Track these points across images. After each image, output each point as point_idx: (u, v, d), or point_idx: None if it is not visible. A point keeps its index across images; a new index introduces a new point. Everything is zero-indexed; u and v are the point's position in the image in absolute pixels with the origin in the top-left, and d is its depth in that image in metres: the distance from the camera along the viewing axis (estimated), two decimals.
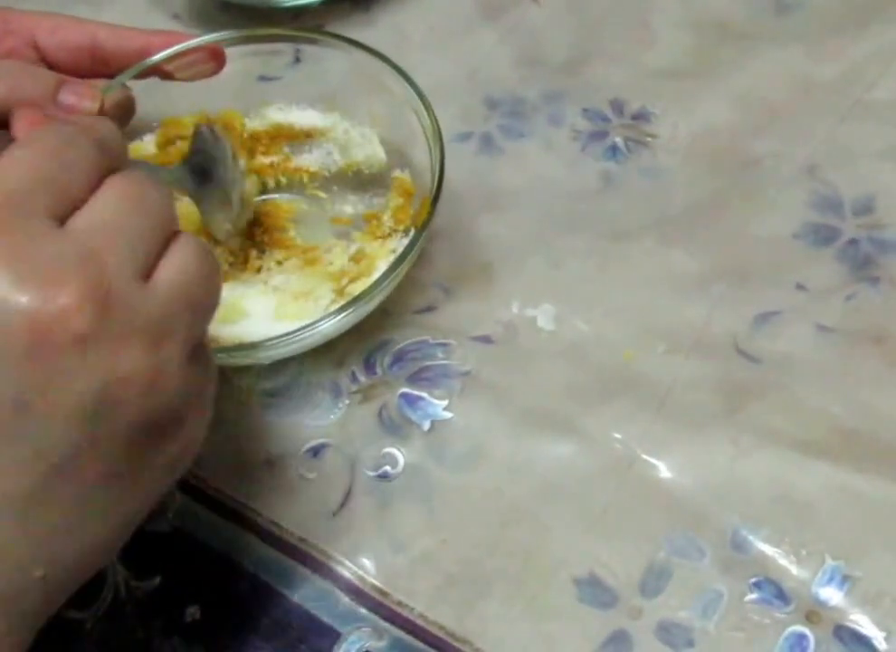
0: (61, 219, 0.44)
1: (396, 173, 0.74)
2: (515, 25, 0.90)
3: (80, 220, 0.44)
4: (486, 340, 0.71)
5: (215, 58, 0.72)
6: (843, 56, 0.84)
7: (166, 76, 0.72)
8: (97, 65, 0.71)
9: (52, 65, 0.70)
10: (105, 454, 0.43)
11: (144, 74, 0.71)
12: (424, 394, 0.68)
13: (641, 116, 0.83)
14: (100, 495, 0.45)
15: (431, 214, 0.65)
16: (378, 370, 0.70)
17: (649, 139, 0.81)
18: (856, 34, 0.85)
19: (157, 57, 0.71)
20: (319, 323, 0.62)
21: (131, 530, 0.48)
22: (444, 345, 0.70)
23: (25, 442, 0.41)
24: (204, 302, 0.48)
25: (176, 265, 0.46)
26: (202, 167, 0.66)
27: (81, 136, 0.47)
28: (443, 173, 0.66)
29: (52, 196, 0.44)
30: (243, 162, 0.73)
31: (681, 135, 0.81)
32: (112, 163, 0.47)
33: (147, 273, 0.45)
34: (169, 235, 0.47)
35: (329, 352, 0.68)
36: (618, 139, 0.81)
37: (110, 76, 0.71)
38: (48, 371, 0.41)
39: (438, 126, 0.68)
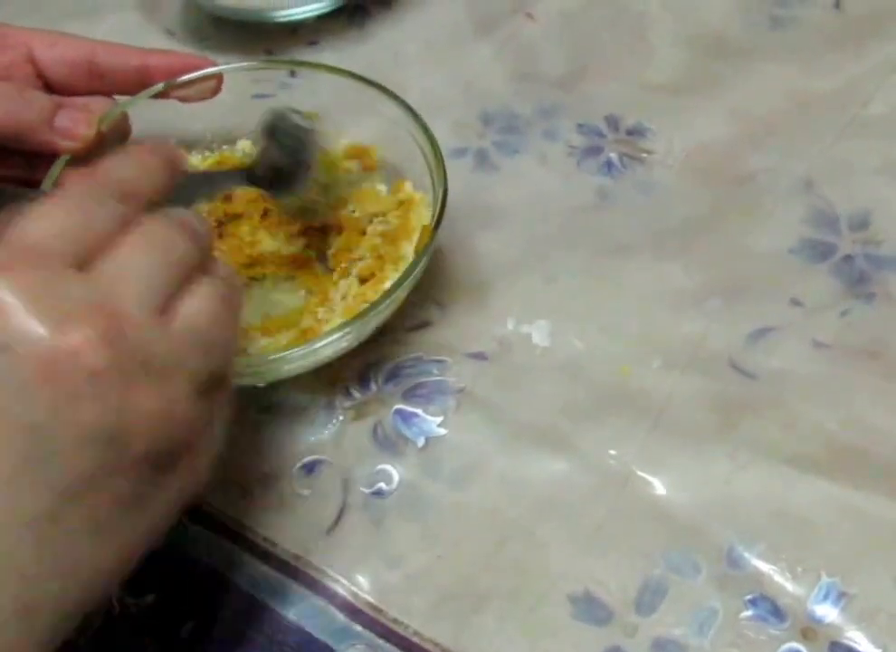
0: (84, 266, 0.46)
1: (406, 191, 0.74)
2: (510, 40, 0.90)
3: (100, 264, 0.46)
4: (481, 356, 0.70)
5: (217, 84, 0.74)
6: (839, 72, 0.84)
7: (177, 99, 0.73)
8: (93, 81, 0.71)
9: (48, 80, 0.71)
10: (116, 482, 0.45)
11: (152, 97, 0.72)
12: (419, 410, 0.68)
13: (636, 131, 0.83)
14: (111, 521, 0.46)
15: (431, 240, 0.65)
16: (373, 387, 0.70)
17: (644, 154, 0.81)
18: (852, 50, 0.85)
19: (161, 85, 0.72)
20: (312, 344, 0.62)
21: (141, 553, 0.49)
22: (439, 361, 0.70)
23: (40, 465, 0.43)
24: (218, 343, 0.50)
25: (194, 305, 0.49)
26: (274, 164, 0.67)
27: (104, 189, 0.50)
28: (446, 201, 0.66)
29: (74, 246, 0.46)
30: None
31: (676, 150, 0.81)
32: (139, 207, 0.50)
33: (163, 310, 0.47)
34: (192, 273, 0.50)
35: (324, 368, 0.68)
36: (613, 155, 0.81)
37: (107, 92, 0.72)
38: (60, 399, 0.43)
39: (441, 154, 0.68)
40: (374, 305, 0.63)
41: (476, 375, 0.70)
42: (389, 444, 0.67)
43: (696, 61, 0.87)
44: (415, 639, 0.60)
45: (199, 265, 0.50)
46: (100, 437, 0.44)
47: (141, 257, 0.48)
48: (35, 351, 0.42)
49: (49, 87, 0.71)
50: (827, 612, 0.59)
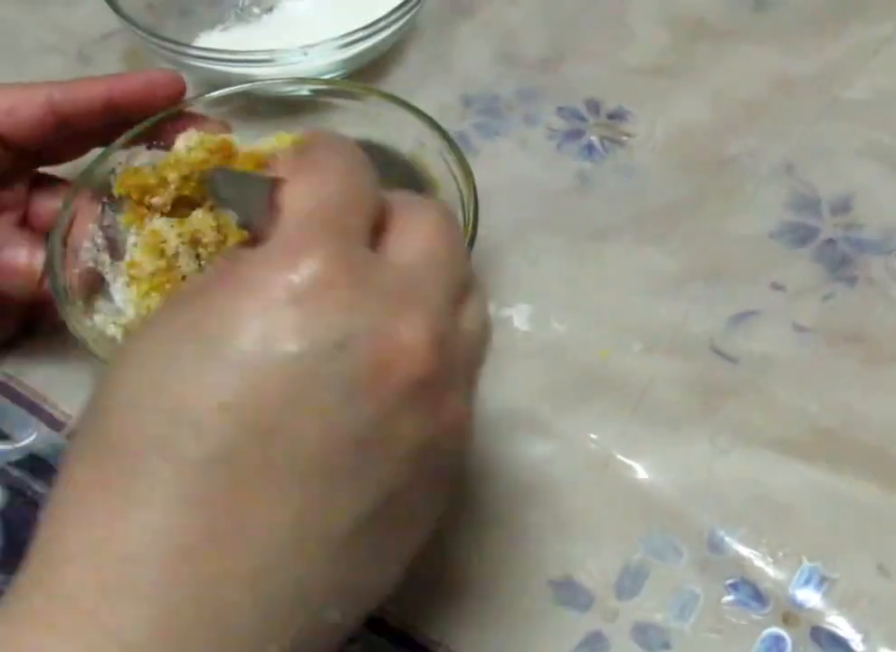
0: (374, 244, 0.42)
1: None
2: (491, 23, 0.89)
3: (397, 251, 0.43)
4: None
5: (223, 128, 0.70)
6: (821, 54, 0.84)
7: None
8: (61, 130, 0.66)
9: (14, 148, 0.65)
10: (409, 500, 0.42)
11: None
12: None
13: (617, 115, 0.82)
14: (395, 541, 0.43)
15: None
16: None
17: (625, 137, 0.81)
18: (834, 32, 0.85)
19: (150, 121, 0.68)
20: None
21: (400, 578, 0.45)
22: None
23: (351, 483, 0.39)
24: (489, 350, 0.47)
25: (476, 311, 0.45)
26: None
27: (360, 156, 0.44)
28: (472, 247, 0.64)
29: (361, 220, 0.42)
30: None
31: (657, 134, 0.81)
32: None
33: (455, 314, 0.44)
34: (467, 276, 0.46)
35: None
36: (594, 138, 0.81)
37: (78, 138, 0.67)
38: (384, 410, 0.39)
39: (475, 197, 0.66)
40: None
41: None
42: None
43: (677, 43, 0.87)
44: (395, 625, 0.60)
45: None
46: (413, 453, 0.41)
47: (436, 245, 0.43)
48: (369, 351, 0.39)
49: (16, 152, 0.65)
50: (809, 597, 0.59)
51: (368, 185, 0.43)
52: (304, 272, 0.39)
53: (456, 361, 0.42)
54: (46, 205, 0.68)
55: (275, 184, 0.42)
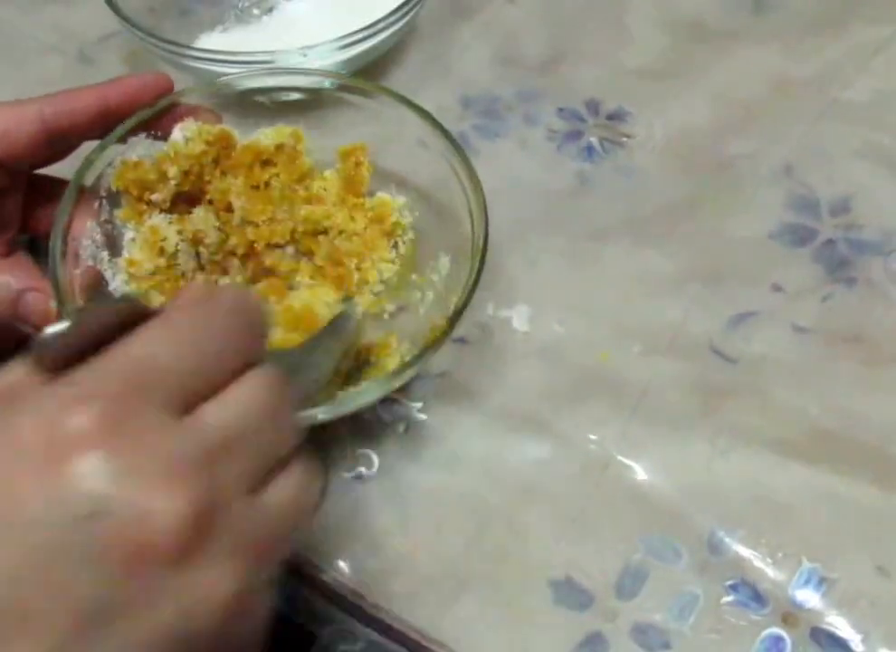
0: (186, 410, 0.39)
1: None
2: (490, 24, 0.89)
3: (205, 415, 0.40)
4: (461, 341, 0.70)
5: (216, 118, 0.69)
6: (820, 56, 0.84)
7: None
8: (55, 145, 0.65)
9: (11, 170, 0.64)
10: None
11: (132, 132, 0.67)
12: (399, 396, 0.68)
13: (616, 116, 0.82)
14: None
15: (448, 332, 0.61)
16: None
17: (625, 138, 0.81)
18: (833, 34, 0.85)
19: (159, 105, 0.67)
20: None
21: None
22: None
23: None
24: (303, 527, 0.44)
25: (290, 489, 0.42)
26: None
27: (227, 319, 0.43)
28: (482, 268, 0.62)
29: (181, 385, 0.39)
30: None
31: (656, 135, 0.81)
32: (251, 353, 0.43)
33: (257, 489, 0.41)
34: (291, 452, 0.43)
35: None
36: (594, 139, 0.81)
37: (71, 147, 0.67)
38: (135, 588, 0.36)
39: (486, 236, 0.64)
40: (362, 391, 0.60)
41: (456, 360, 0.69)
42: (370, 429, 0.67)
43: (677, 45, 0.87)
44: (395, 625, 0.60)
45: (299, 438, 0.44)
46: (165, 638, 0.37)
47: (252, 417, 0.41)
48: (116, 524, 0.35)
49: (10, 170, 0.64)
50: (808, 597, 0.59)
51: (221, 353, 0.41)
52: (72, 426, 0.36)
53: (237, 539, 0.39)
54: (45, 207, 0.68)
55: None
